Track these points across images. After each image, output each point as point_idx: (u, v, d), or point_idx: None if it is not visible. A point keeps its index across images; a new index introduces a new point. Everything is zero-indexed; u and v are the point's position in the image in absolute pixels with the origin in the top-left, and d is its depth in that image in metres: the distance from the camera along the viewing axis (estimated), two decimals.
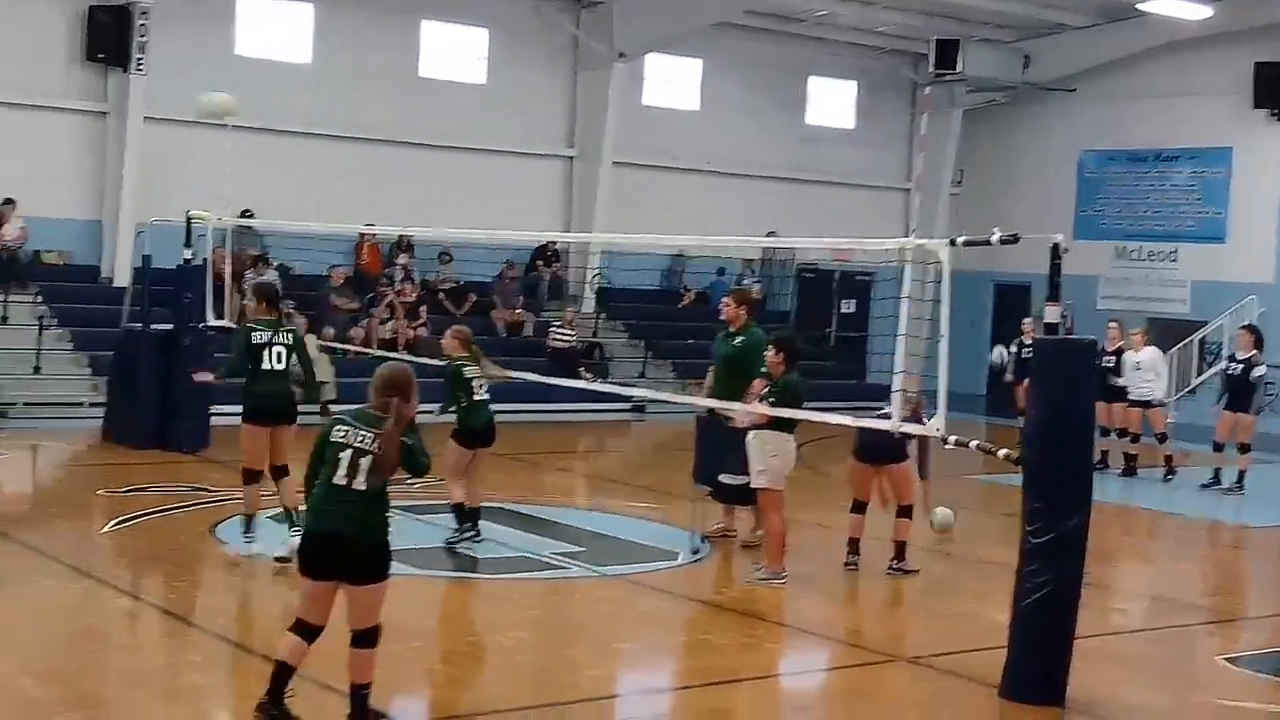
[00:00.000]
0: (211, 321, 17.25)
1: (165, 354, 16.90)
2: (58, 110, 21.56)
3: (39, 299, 20.65)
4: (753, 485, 11.23)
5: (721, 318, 12.80)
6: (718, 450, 12.17)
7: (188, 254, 17.18)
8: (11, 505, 13.56)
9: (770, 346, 11.30)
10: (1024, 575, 8.32)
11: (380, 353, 19.84)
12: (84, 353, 20.32)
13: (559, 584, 11.34)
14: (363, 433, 7.08)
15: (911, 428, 10.42)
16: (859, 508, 11.85)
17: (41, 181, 21.26)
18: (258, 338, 11.15)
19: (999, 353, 20.73)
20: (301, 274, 22.33)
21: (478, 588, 11.15)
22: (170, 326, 17.11)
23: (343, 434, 7.10)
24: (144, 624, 9.91)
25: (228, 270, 18.12)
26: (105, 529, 12.21)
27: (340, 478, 7.05)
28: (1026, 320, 20.27)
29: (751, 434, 11.08)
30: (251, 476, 11.19)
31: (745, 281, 27.04)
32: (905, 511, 11.79)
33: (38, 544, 10.98)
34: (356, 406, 7.27)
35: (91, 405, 18.62)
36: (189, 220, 17.14)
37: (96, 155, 21.92)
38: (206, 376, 13.76)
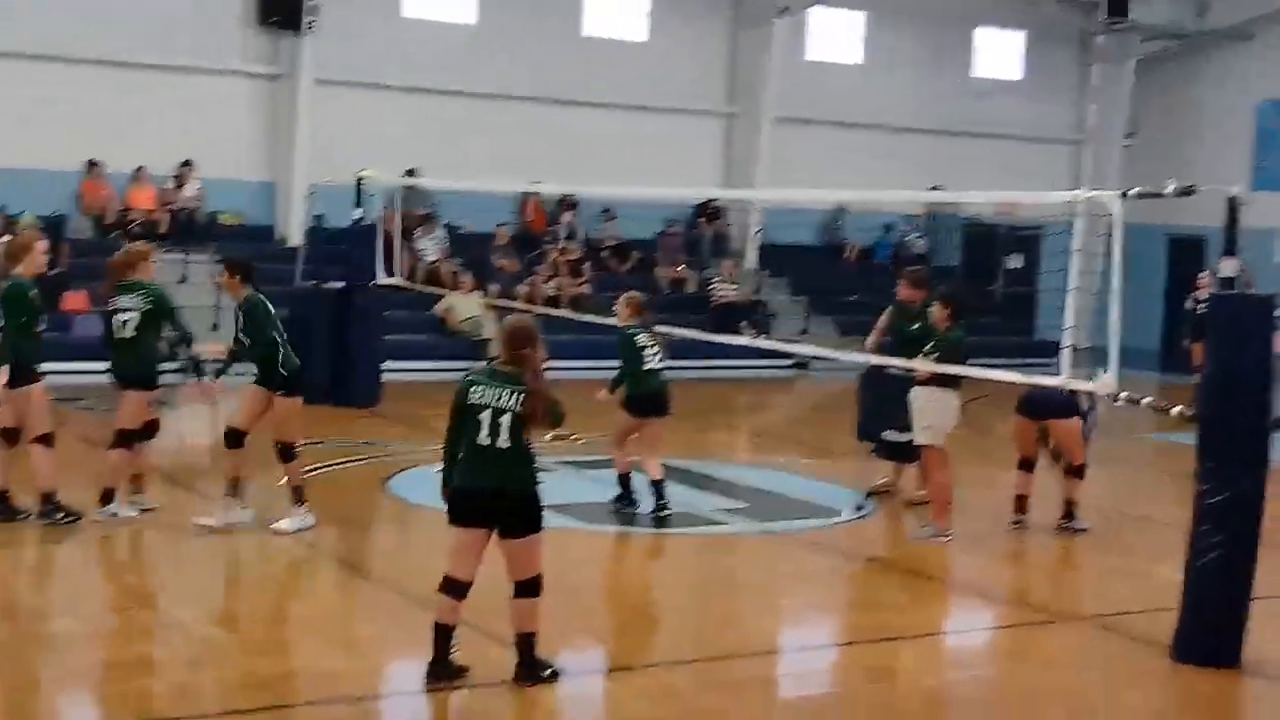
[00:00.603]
0: (382, 280, 17.62)
1: (337, 312, 17.28)
2: (232, 74, 22.11)
3: (216, 259, 21.26)
4: (915, 442, 11.15)
5: (899, 299, 12.36)
6: (881, 406, 12.09)
7: (358, 214, 17.54)
8: (193, 458, 14.02)
9: (935, 301, 11.18)
10: (1197, 535, 8.15)
11: (544, 310, 20.10)
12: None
13: (722, 540, 11.40)
14: (499, 390, 7.10)
15: (1080, 384, 10.24)
16: (1025, 465, 11.68)
17: (217, 144, 21.84)
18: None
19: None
20: (469, 232, 22.65)
21: (641, 543, 11.25)
22: (342, 285, 17.50)
23: (479, 394, 7.12)
24: (319, 574, 10.20)
25: (396, 229, 18.45)
26: (282, 482, 12.56)
27: (483, 438, 7.08)
28: (1202, 275, 19.67)
29: (914, 390, 11.00)
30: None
31: (910, 237, 26.79)
32: (1075, 470, 11.60)
33: (218, 496, 11.33)
34: (485, 364, 7.30)
35: None
36: (359, 180, 17.49)
37: (269, 118, 22.44)
38: None
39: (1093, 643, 8.94)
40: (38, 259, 10.51)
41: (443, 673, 7.28)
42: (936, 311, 11.05)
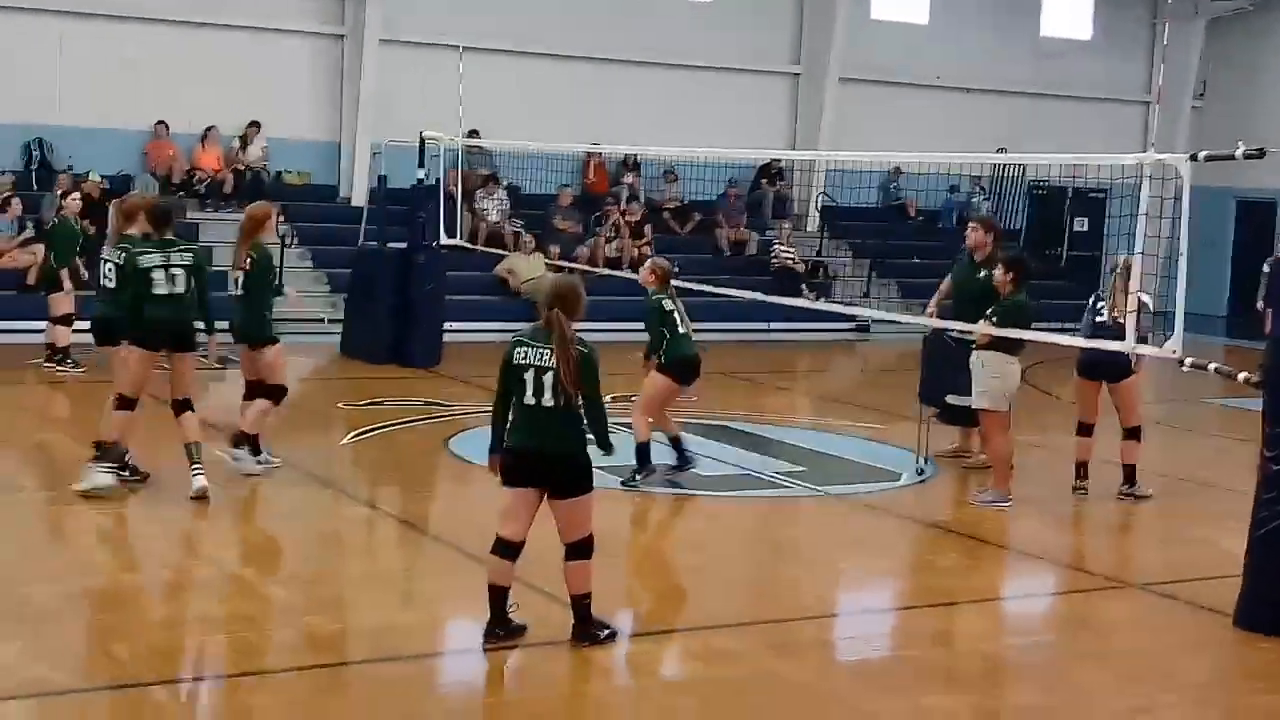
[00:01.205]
0: (445, 240, 17.68)
1: (401, 272, 17.36)
2: (297, 33, 22.21)
3: (282, 218, 21.33)
4: (974, 406, 11.08)
5: (966, 245, 12.40)
6: (944, 370, 12.02)
7: (421, 174, 17.60)
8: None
9: (1000, 265, 11.10)
10: (1261, 503, 8.07)
11: (606, 271, 20.10)
12: (323, 270, 21.02)
13: (780, 503, 11.40)
14: (540, 350, 7.12)
15: (1146, 349, 10.14)
16: (1085, 430, 11.59)
17: (282, 104, 21.99)
18: (145, 261, 10.14)
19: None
20: (531, 193, 22.69)
21: (699, 505, 11.27)
22: (405, 245, 17.58)
23: (523, 354, 7.15)
24: (381, 532, 10.29)
25: (458, 190, 18.48)
26: (345, 441, 12.68)
27: (529, 398, 7.13)
28: None
29: (974, 354, 10.94)
30: (125, 403, 10.23)
31: (975, 200, 26.54)
32: (1133, 433, 11.50)
33: (283, 454, 11.47)
34: (530, 324, 7.33)
35: (331, 321, 19.27)
36: (422, 141, 17.54)
37: (333, 78, 22.54)
38: None
39: (1154, 610, 8.89)
40: (273, 226, 11.20)
41: (500, 633, 7.33)
42: (999, 275, 10.98)
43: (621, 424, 10.62)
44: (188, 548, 9.45)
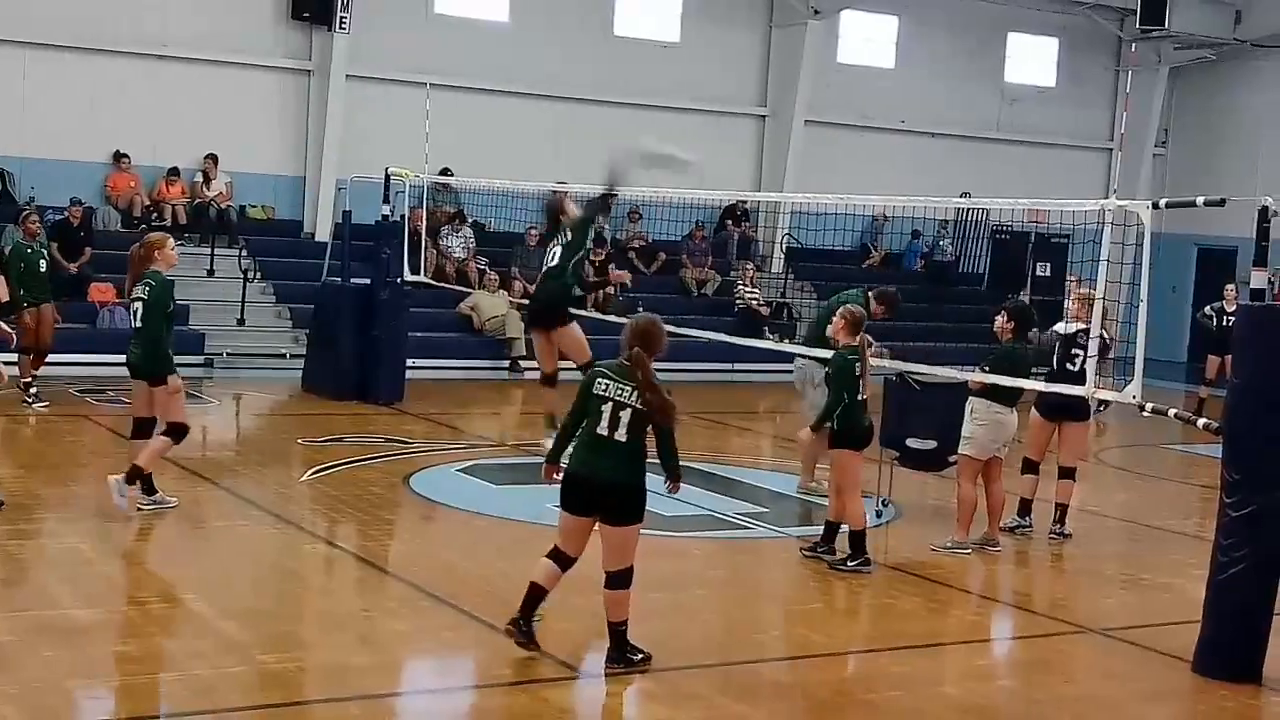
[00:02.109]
0: (408, 276, 17.64)
1: (363, 308, 17.31)
2: (263, 68, 22.21)
3: (244, 253, 21.33)
4: (959, 451, 11.00)
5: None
6: (905, 413, 12.03)
7: (386, 210, 17.57)
8: (216, 452, 14.05)
9: (1002, 312, 11.10)
10: (1221, 549, 8.09)
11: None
12: (285, 305, 20.95)
13: (743, 544, 11.37)
14: (621, 386, 7.37)
15: (1106, 394, 10.17)
16: (1031, 468, 11.66)
17: (247, 138, 21.96)
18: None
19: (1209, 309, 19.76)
20: (496, 231, 22.66)
21: (661, 545, 11.21)
22: (369, 281, 17.53)
23: (603, 387, 7.42)
24: (340, 570, 10.20)
25: (423, 227, 18.47)
26: (304, 477, 12.59)
27: (602, 429, 7.39)
28: (1229, 286, 19.51)
29: (970, 399, 10.91)
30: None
31: (943, 244, 26.70)
32: (1068, 473, 11.56)
33: (240, 490, 11.36)
34: (615, 360, 7.52)
35: (292, 356, 19.18)
36: (388, 177, 17.53)
37: (300, 112, 22.52)
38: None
39: (1114, 654, 8.88)
40: (170, 255, 10.86)
41: (523, 626, 7.54)
42: (1001, 322, 10.99)
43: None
44: (142, 582, 9.34)
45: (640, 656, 7.67)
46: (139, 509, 10.55)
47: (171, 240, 11.07)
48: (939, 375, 11.78)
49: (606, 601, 7.59)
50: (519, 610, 7.59)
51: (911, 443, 11.92)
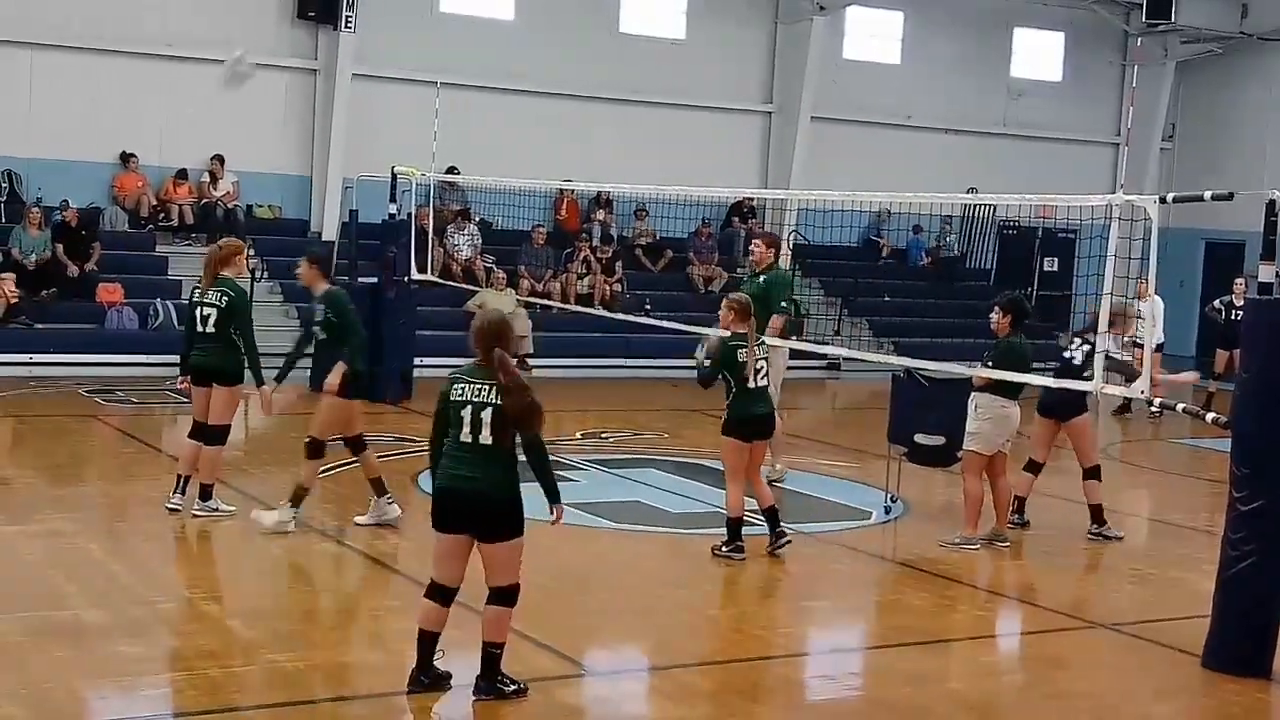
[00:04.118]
0: (415, 275, 17.64)
1: (370, 307, 17.29)
2: (269, 67, 22.17)
3: (251, 252, 21.25)
4: (965, 447, 10.99)
5: (751, 259, 13.04)
6: (913, 409, 12.03)
7: (392, 209, 17.57)
8: (225, 451, 14.03)
9: (996, 307, 11.07)
10: (1230, 543, 8.08)
11: (577, 308, 20.10)
12: (293, 304, 20.93)
13: (752, 541, 11.34)
14: (480, 386, 6.93)
15: (1115, 389, 10.16)
16: (1034, 467, 11.65)
17: (254, 137, 21.94)
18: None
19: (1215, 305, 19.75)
20: (503, 229, 22.66)
21: (670, 542, 11.22)
22: (375, 280, 17.52)
23: (460, 391, 6.97)
24: (348, 569, 10.21)
25: (430, 225, 18.47)
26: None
27: (465, 435, 6.92)
28: (1238, 280, 19.45)
29: (973, 395, 10.89)
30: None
31: (949, 239, 26.70)
32: (1093, 473, 11.53)
33: (249, 489, 11.35)
34: (467, 362, 7.16)
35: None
36: (394, 175, 17.53)
37: (306, 112, 22.50)
38: None
39: (1124, 650, 8.87)
40: (243, 264, 11.15)
41: (425, 680, 7.09)
42: (997, 318, 10.95)
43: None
44: (152, 582, 9.35)
45: (513, 688, 7.07)
46: (194, 515, 10.65)
47: (247, 250, 11.34)
48: (946, 371, 11.76)
49: (485, 620, 7.01)
50: (415, 664, 7.08)
51: (920, 438, 11.91)
